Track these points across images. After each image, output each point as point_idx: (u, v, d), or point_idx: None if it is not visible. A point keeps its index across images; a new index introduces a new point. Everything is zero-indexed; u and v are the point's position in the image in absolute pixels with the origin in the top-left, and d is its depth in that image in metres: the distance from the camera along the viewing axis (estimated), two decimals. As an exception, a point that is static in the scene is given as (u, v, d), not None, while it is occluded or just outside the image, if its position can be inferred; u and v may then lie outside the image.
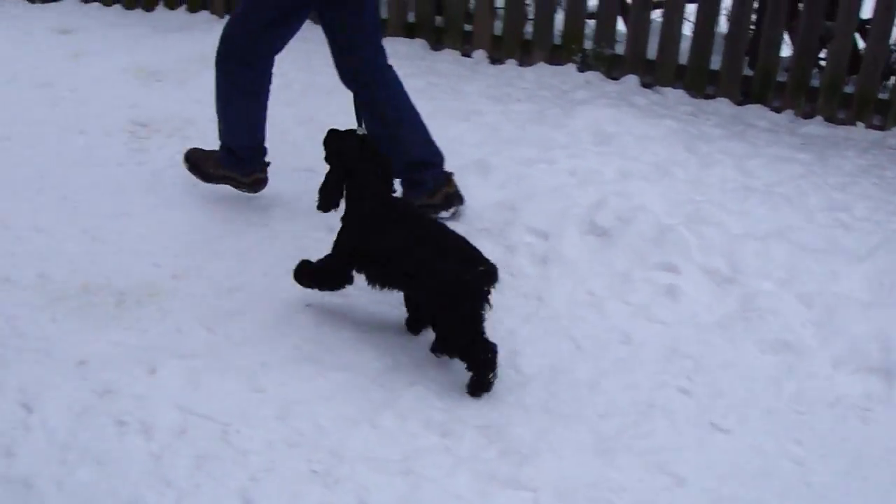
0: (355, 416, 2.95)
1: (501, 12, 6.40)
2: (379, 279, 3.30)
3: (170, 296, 3.61)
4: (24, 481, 2.69)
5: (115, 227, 4.10)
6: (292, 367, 3.19)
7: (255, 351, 3.27)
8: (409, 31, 6.42)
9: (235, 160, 4.14)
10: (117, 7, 7.24)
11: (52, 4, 7.33)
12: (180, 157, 4.66)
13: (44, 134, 5.03)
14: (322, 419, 2.93)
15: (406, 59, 5.98)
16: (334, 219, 3.47)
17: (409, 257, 3.16)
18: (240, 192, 4.26)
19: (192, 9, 7.04)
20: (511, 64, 6.19)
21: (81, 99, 5.47)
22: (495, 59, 6.28)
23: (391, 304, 3.52)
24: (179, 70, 5.88)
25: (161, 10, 7.12)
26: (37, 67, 5.94)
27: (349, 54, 4.01)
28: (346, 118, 5.04)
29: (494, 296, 3.11)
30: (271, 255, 3.86)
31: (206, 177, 4.22)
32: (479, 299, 3.07)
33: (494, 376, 3.11)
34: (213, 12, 6.98)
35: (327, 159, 3.45)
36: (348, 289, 3.50)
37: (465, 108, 5.31)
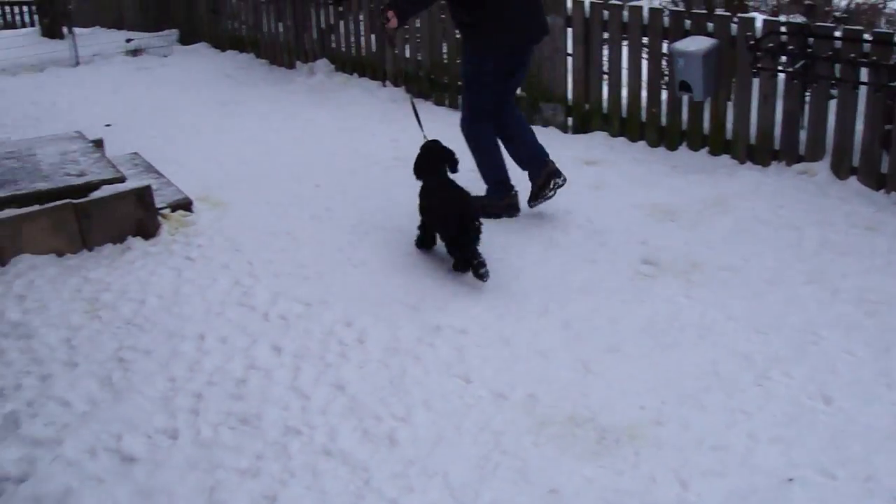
0: None
1: None
2: (431, 225, 5.38)
3: (649, 441, 3.57)
4: None
5: (608, 361, 4.17)
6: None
7: (726, 518, 3.14)
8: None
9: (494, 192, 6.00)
10: (642, 144, 7.47)
11: (583, 136, 7.74)
12: (683, 300, 4.69)
13: (560, 258, 5.30)
14: None
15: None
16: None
17: (435, 210, 5.29)
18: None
19: (714, 152, 7.07)
20: None
21: (597, 229, 5.68)
22: None
23: None
24: (694, 212, 5.91)
25: (683, 151, 7.23)
26: (559, 194, 6.26)
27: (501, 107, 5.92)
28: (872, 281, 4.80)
29: None
30: (759, 418, 3.70)
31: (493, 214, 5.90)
32: (465, 229, 4.99)
33: (485, 270, 4.90)
34: (734, 156, 6.97)
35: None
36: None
37: None
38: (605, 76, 7.78)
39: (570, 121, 8.03)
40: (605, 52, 7.75)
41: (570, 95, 8.01)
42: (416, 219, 5.96)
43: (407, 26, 9.26)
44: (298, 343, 4.39)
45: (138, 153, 7.14)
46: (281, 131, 8.34)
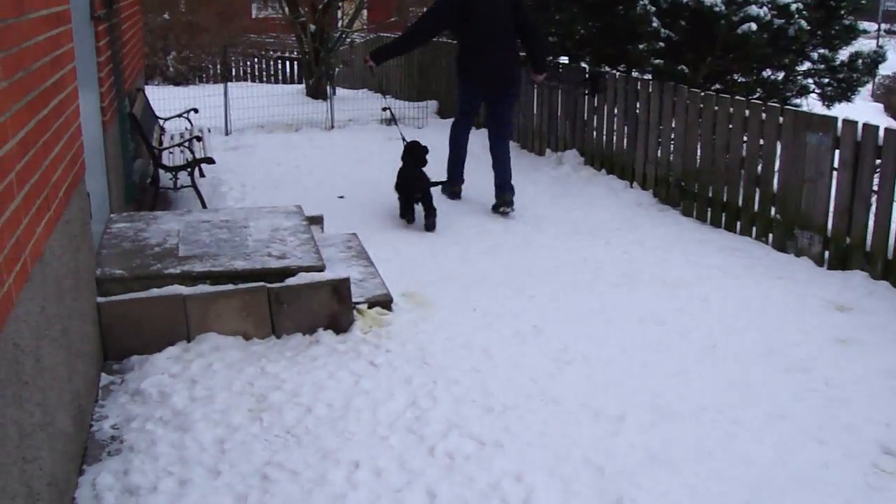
0: None
1: None
2: (404, 193, 8.16)
3: None
4: None
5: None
6: None
7: None
8: None
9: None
10: (907, 291, 6.51)
11: (839, 273, 6.86)
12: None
13: (782, 431, 4.50)
14: None
15: None
16: None
17: (406, 182, 8.14)
18: None
19: None
20: None
21: (834, 397, 4.85)
22: None
23: None
24: (958, 390, 4.97)
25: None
26: (797, 345, 5.48)
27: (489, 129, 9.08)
28: None
29: None
30: None
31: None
32: (420, 190, 8.01)
33: (433, 218, 7.92)
34: None
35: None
36: None
37: None
38: (873, 209, 6.91)
39: (826, 254, 7.17)
40: (876, 181, 6.88)
41: (829, 225, 7.16)
42: (632, 350, 5.38)
43: (662, 126, 8.71)
44: (457, 492, 3.86)
45: (356, 235, 6.90)
46: (508, 226, 7.92)
